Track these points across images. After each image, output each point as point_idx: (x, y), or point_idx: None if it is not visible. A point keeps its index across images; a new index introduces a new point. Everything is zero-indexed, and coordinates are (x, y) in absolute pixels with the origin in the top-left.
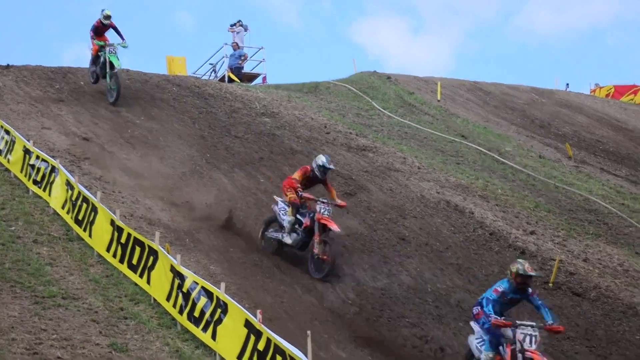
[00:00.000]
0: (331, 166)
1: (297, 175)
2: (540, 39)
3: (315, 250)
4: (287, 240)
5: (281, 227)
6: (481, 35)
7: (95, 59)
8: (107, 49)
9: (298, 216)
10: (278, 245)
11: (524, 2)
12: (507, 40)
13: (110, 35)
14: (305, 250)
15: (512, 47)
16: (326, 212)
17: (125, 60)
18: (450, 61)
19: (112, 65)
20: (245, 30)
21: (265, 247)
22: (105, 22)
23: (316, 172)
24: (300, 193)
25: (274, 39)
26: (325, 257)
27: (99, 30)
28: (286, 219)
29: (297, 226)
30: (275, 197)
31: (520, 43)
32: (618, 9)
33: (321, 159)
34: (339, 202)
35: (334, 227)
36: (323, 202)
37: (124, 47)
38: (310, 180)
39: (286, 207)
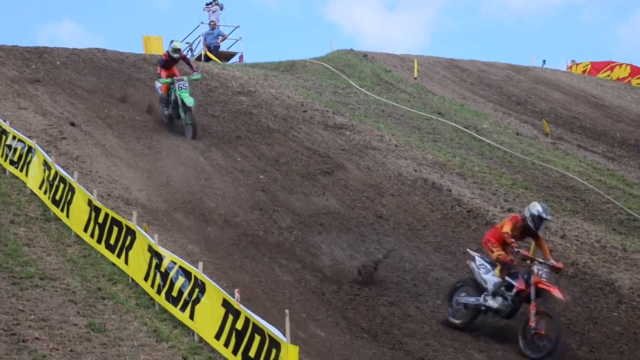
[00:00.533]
0: (549, 217)
1: (507, 227)
2: (516, 16)
3: (532, 324)
4: (492, 304)
5: (478, 289)
6: (456, 12)
7: (165, 99)
8: (177, 84)
9: (507, 278)
10: (474, 312)
11: None
12: (482, 17)
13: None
14: (511, 319)
15: (488, 24)
16: (544, 275)
17: (101, 40)
18: (425, 39)
19: (183, 102)
20: (221, 9)
21: (454, 315)
22: (175, 55)
23: (528, 222)
24: (516, 249)
25: (250, 17)
26: (543, 332)
27: (167, 65)
28: (491, 279)
29: (503, 289)
30: (468, 250)
31: (496, 20)
32: None
33: (537, 208)
34: (555, 263)
35: (558, 294)
36: (541, 263)
37: (195, 79)
38: (520, 232)
39: (487, 265)
